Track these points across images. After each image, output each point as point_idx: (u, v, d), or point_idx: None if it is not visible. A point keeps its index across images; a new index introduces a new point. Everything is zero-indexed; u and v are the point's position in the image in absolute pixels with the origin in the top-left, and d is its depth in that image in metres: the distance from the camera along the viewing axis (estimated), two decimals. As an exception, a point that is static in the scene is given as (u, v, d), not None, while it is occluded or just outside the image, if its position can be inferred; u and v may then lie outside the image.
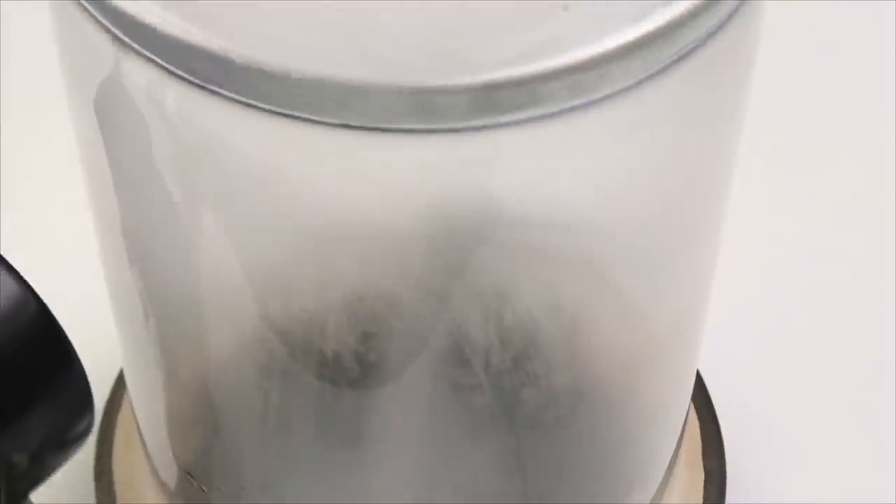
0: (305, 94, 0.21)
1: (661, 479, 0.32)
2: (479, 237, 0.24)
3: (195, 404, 0.29)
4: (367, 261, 0.24)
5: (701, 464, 0.35)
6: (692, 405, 0.34)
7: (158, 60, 0.22)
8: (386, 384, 0.26)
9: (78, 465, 0.33)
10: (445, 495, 0.27)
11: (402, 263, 0.24)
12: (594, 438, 0.29)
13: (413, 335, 0.25)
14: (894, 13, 0.46)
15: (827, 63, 0.45)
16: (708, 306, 0.29)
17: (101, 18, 0.22)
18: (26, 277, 0.26)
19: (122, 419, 0.35)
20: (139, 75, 0.22)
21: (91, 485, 0.35)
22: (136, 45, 0.22)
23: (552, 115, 0.22)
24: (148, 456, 0.32)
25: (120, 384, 0.36)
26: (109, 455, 0.35)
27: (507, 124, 0.22)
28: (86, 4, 0.22)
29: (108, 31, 0.22)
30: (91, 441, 0.33)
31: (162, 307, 0.27)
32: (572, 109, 0.22)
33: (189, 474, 0.30)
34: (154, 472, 0.32)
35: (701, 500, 0.34)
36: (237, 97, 0.22)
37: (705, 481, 0.34)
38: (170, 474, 0.32)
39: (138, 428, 0.32)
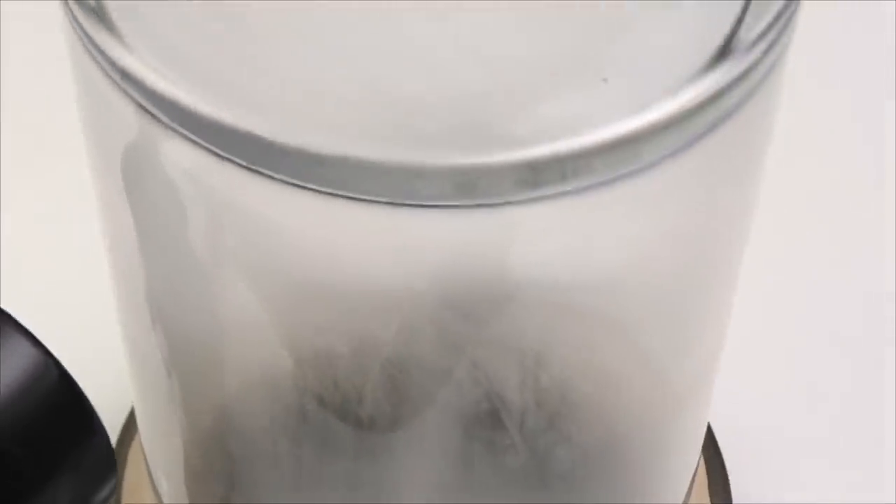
0: (349, 174, 0.21)
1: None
2: (514, 301, 0.24)
3: (218, 459, 0.29)
4: (404, 328, 0.24)
5: (707, 497, 0.35)
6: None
7: (199, 141, 0.22)
8: (419, 446, 0.26)
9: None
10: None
11: (439, 330, 0.24)
12: (617, 489, 0.29)
13: (448, 399, 0.25)
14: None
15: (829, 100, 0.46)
16: (721, 358, 0.30)
17: (136, 96, 0.22)
18: (30, 320, 0.26)
19: (130, 468, 0.35)
20: (177, 154, 0.22)
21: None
22: (174, 126, 0.22)
23: (592, 187, 0.22)
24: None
25: (121, 443, 0.36)
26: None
27: (547, 197, 0.22)
28: (114, 77, 0.22)
29: (144, 109, 0.22)
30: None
31: (184, 366, 0.27)
32: (612, 181, 0.22)
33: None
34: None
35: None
36: (280, 177, 0.22)
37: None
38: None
39: (152, 483, 0.32)
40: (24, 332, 0.27)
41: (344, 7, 0.23)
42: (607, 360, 0.27)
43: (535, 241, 0.23)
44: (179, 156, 0.22)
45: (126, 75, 0.22)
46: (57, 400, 0.27)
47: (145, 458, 0.33)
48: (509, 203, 0.22)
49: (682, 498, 0.32)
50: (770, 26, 0.23)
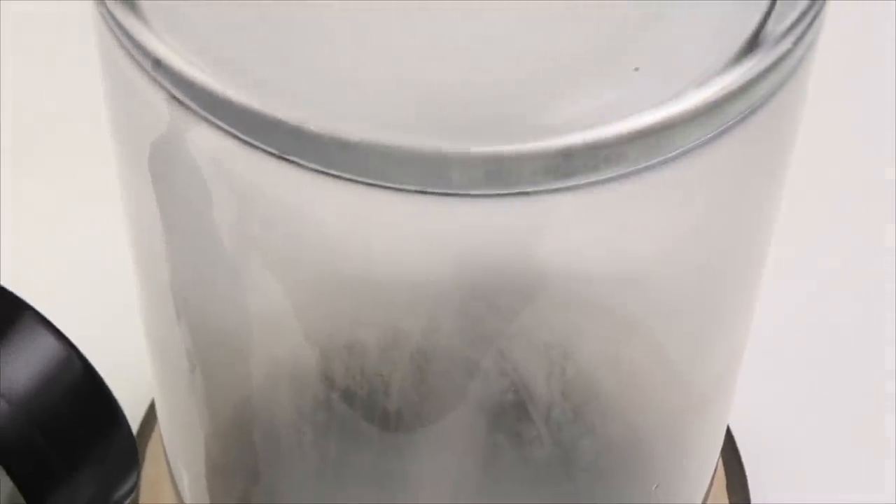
0: (378, 162, 0.21)
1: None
2: (542, 292, 0.24)
3: (240, 452, 0.29)
4: (432, 319, 0.24)
5: (726, 497, 0.35)
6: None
7: (230, 129, 0.22)
8: (445, 437, 0.26)
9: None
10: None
11: (467, 320, 0.24)
12: (638, 485, 0.29)
13: (475, 390, 0.25)
14: None
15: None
16: (743, 358, 0.30)
17: (167, 85, 0.22)
18: (50, 315, 0.26)
19: (147, 466, 0.35)
20: (207, 143, 0.22)
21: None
22: (205, 114, 0.22)
23: (622, 177, 0.22)
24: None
25: (139, 438, 0.36)
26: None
27: (578, 187, 0.22)
28: (146, 66, 0.22)
29: (175, 99, 0.22)
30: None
31: (209, 359, 0.28)
32: (642, 170, 0.22)
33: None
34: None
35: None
36: (310, 165, 0.22)
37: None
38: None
39: (171, 478, 0.32)
40: (48, 325, 0.27)
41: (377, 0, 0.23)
42: (631, 355, 0.27)
43: (565, 232, 0.23)
44: (209, 145, 0.22)
45: (158, 64, 0.22)
46: (80, 392, 0.27)
47: (165, 453, 0.33)
48: (540, 192, 0.22)
49: (701, 497, 0.32)
50: (798, 20, 0.23)
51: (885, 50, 0.47)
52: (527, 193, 0.22)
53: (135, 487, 0.29)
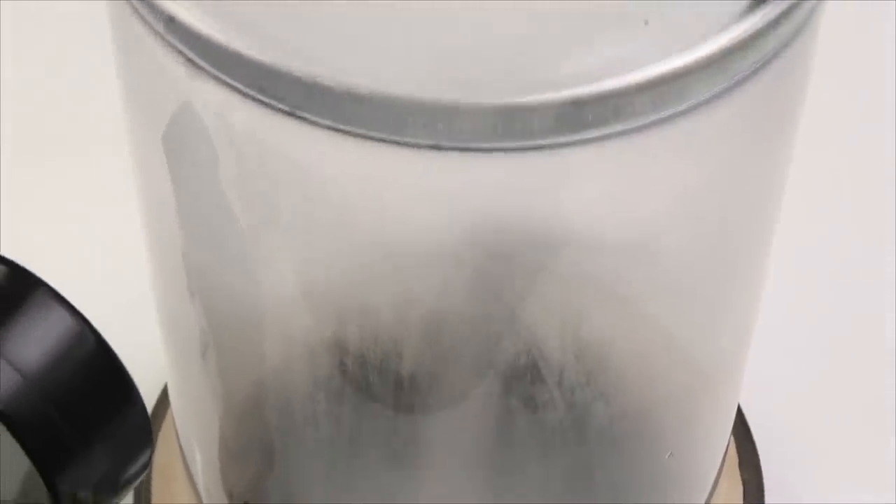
0: (392, 116, 0.21)
1: (708, 491, 0.32)
2: (556, 252, 0.24)
3: (254, 427, 0.29)
4: (448, 280, 0.24)
5: (738, 474, 0.35)
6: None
7: (238, 85, 0.22)
8: (459, 403, 0.26)
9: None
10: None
11: (481, 279, 0.24)
12: (651, 455, 0.29)
13: (489, 352, 0.25)
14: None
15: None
16: (753, 335, 0.30)
17: (175, 42, 0.22)
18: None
19: (160, 452, 0.35)
20: (215, 98, 0.23)
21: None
22: (212, 70, 0.22)
23: (634, 130, 0.22)
24: (195, 491, 0.32)
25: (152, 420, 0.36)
26: (149, 489, 0.35)
27: (591, 140, 0.22)
28: (158, 28, 0.23)
29: (182, 55, 0.22)
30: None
31: (224, 335, 0.28)
32: (653, 124, 0.22)
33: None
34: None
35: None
36: (322, 121, 0.22)
37: (744, 492, 0.35)
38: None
39: (184, 462, 0.32)
40: (62, 300, 0.27)
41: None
42: (642, 322, 0.27)
43: (577, 187, 0.23)
44: (222, 105, 0.22)
45: (171, 21, 0.22)
46: (94, 366, 0.27)
47: (178, 437, 0.33)
48: (552, 146, 0.22)
49: (714, 471, 0.32)
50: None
51: (886, 49, 0.47)
52: (539, 148, 0.22)
53: (149, 463, 0.29)
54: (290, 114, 0.22)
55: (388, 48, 0.22)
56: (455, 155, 0.22)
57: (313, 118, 0.22)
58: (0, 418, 0.25)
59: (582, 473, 0.28)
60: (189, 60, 0.22)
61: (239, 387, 0.29)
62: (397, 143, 0.22)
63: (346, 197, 0.23)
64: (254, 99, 0.22)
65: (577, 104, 0.21)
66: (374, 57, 0.22)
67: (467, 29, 0.22)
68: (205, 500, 0.32)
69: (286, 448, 0.29)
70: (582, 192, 0.23)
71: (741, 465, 0.35)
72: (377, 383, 0.26)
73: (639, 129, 0.22)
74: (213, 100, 0.23)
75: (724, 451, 0.32)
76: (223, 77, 0.22)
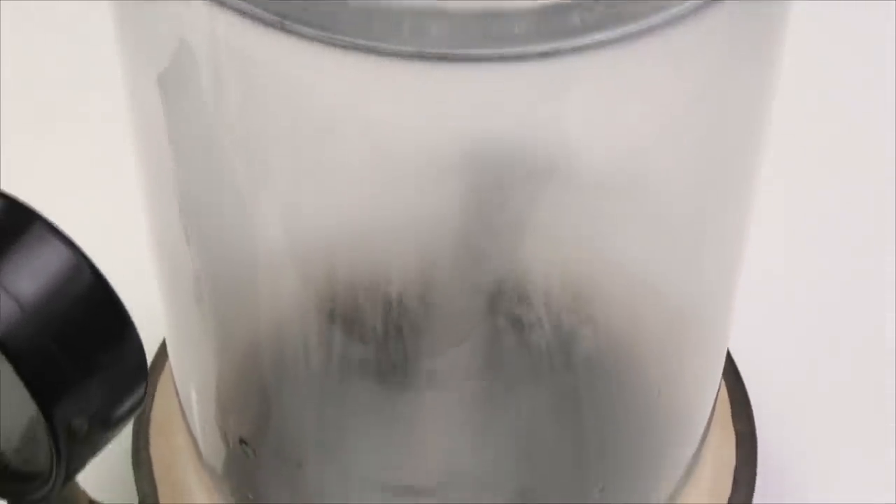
0: (376, 21, 0.22)
1: (699, 438, 0.32)
2: (544, 176, 0.25)
3: (253, 365, 0.29)
4: (435, 194, 0.24)
5: (731, 425, 0.35)
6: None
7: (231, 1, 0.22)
8: (447, 323, 0.26)
9: (117, 456, 0.34)
10: (501, 438, 0.28)
11: (469, 197, 0.24)
12: (640, 386, 0.29)
13: (476, 275, 0.25)
14: None
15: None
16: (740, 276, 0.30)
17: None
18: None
19: (157, 407, 0.35)
20: (204, 17, 0.23)
21: (131, 474, 0.35)
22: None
23: (617, 40, 0.22)
24: (192, 439, 0.32)
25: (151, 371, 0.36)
26: (147, 444, 0.35)
27: (573, 50, 0.22)
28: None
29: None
30: (127, 431, 0.34)
31: (220, 274, 0.28)
32: (638, 33, 0.22)
33: (243, 441, 0.30)
34: (198, 455, 0.33)
35: (734, 459, 0.35)
36: (308, 31, 0.22)
37: (737, 443, 0.35)
38: (216, 453, 0.32)
39: (182, 411, 0.33)
40: (58, 233, 0.27)
41: None
42: (628, 245, 0.27)
43: (559, 100, 0.23)
44: (210, 18, 0.23)
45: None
46: (91, 299, 0.27)
47: (176, 390, 0.33)
48: (535, 55, 0.22)
49: (704, 423, 0.32)
50: None
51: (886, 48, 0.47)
52: (522, 57, 0.22)
53: (144, 396, 0.29)
54: (276, 25, 0.22)
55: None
56: (440, 64, 0.22)
57: (299, 28, 0.22)
58: (-2, 347, 0.26)
59: (570, 401, 0.28)
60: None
61: (234, 326, 0.29)
62: (382, 52, 0.22)
63: (334, 110, 0.23)
64: (241, 12, 0.22)
65: (557, 9, 0.22)
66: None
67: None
68: (201, 444, 0.32)
69: (280, 382, 0.29)
70: (565, 107, 0.23)
71: (734, 415, 0.36)
72: (366, 307, 0.26)
73: (623, 39, 0.22)
74: (201, 14, 0.23)
75: (714, 397, 0.32)
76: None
